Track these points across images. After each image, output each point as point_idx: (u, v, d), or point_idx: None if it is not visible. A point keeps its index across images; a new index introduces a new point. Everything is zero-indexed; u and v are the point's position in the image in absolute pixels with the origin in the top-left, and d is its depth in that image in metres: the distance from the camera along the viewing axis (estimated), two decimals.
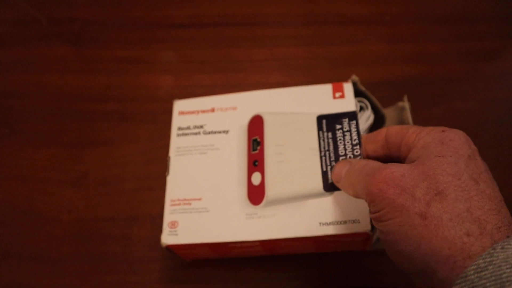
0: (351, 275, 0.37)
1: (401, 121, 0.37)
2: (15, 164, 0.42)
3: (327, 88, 0.34)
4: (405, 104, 0.37)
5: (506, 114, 0.46)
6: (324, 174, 0.31)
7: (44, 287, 0.36)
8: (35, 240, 0.38)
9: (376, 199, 0.22)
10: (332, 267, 0.37)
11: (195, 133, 0.34)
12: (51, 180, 0.41)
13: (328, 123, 0.32)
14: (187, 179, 0.32)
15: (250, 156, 0.33)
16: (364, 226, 0.29)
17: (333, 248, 0.34)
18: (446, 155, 0.22)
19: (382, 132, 0.28)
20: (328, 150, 0.31)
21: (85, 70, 0.48)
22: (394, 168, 0.22)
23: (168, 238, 0.30)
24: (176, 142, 0.34)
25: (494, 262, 0.18)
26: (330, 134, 0.32)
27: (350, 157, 0.31)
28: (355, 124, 0.32)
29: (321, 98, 0.34)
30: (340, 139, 0.31)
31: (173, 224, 0.31)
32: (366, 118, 0.34)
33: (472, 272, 0.18)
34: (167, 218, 0.31)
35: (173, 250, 0.31)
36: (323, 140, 0.32)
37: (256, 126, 0.33)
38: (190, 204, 0.31)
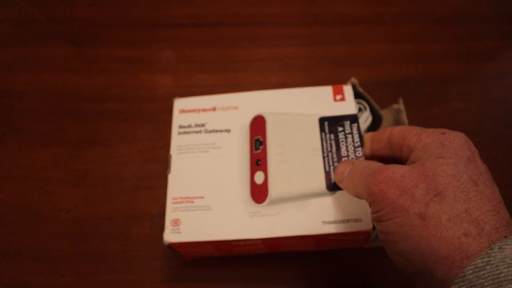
0: (353, 272, 0.37)
1: (397, 123, 0.38)
2: (14, 163, 0.42)
3: (328, 90, 0.35)
4: (401, 106, 0.38)
5: (505, 114, 0.46)
6: (327, 174, 0.31)
7: (44, 286, 0.36)
8: (35, 239, 0.38)
9: (376, 200, 0.23)
10: (334, 265, 0.37)
11: (197, 132, 0.34)
12: (50, 180, 0.41)
13: (330, 125, 0.33)
14: (189, 177, 0.33)
15: (252, 155, 0.33)
16: (366, 224, 0.30)
17: (333, 246, 0.35)
18: (446, 157, 0.22)
19: (386, 132, 0.28)
20: (331, 151, 0.32)
21: (85, 70, 0.48)
22: (395, 169, 0.23)
23: (170, 236, 0.31)
24: (177, 140, 0.34)
25: (492, 262, 0.18)
26: (332, 136, 0.33)
27: (352, 158, 0.31)
28: (356, 126, 0.33)
29: (322, 100, 0.35)
30: (342, 141, 0.32)
31: (176, 222, 0.31)
32: (364, 119, 0.35)
33: (470, 271, 0.18)
34: (169, 216, 0.31)
35: (174, 248, 0.32)
36: (326, 141, 0.33)
37: (258, 126, 0.34)
38: (192, 202, 0.32)
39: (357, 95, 0.36)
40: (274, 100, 0.35)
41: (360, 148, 0.31)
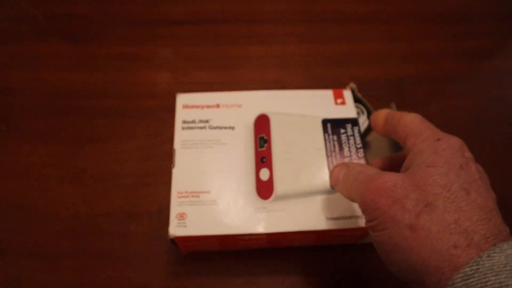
0: (349, 266, 0.37)
1: None
2: (12, 160, 0.42)
3: (329, 93, 0.37)
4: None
5: (502, 113, 0.46)
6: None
7: (42, 283, 0.36)
8: (33, 236, 0.38)
9: (368, 209, 0.23)
10: (332, 260, 0.37)
11: (201, 127, 0.35)
12: (48, 177, 0.41)
13: (333, 127, 0.35)
14: (194, 172, 0.33)
15: (257, 152, 0.34)
16: None
17: (331, 241, 0.36)
18: (437, 165, 0.22)
19: (395, 118, 0.28)
20: (334, 151, 0.34)
21: (83, 67, 0.48)
22: (387, 178, 0.23)
23: (176, 229, 0.31)
24: (181, 135, 0.35)
25: (480, 270, 0.18)
26: (335, 137, 0.34)
27: (354, 158, 0.33)
28: (357, 129, 0.35)
29: (323, 103, 0.37)
30: (344, 142, 0.34)
31: (182, 216, 0.31)
32: (362, 122, 0.38)
33: (459, 280, 0.19)
34: (175, 210, 0.32)
35: (177, 242, 0.32)
36: (329, 142, 0.34)
37: (262, 124, 0.35)
38: (198, 196, 0.32)
39: (355, 100, 0.38)
40: (277, 100, 0.37)
41: (361, 150, 0.34)
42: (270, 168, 0.33)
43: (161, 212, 0.39)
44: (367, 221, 0.24)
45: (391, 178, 0.23)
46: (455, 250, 0.20)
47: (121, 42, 0.50)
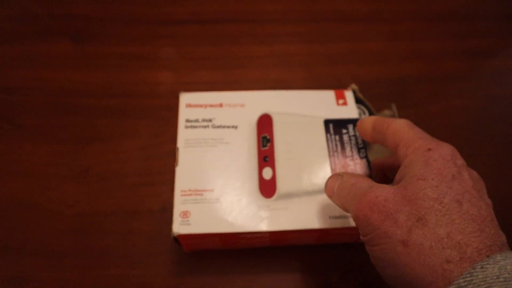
0: (356, 266, 0.37)
1: None
2: (16, 159, 0.42)
3: (330, 94, 0.38)
4: (394, 112, 0.39)
5: (504, 112, 0.46)
6: (334, 172, 0.33)
7: (46, 281, 0.36)
8: (37, 234, 0.38)
9: (362, 224, 0.23)
10: (333, 258, 0.37)
11: (204, 126, 0.35)
12: (52, 175, 0.41)
13: (335, 127, 0.35)
14: (198, 171, 0.33)
15: (260, 152, 0.34)
16: None
17: (332, 240, 0.36)
18: (429, 178, 0.22)
19: (384, 126, 0.28)
20: (336, 151, 0.34)
21: (86, 66, 0.48)
22: (378, 192, 0.23)
23: (180, 227, 0.31)
24: (184, 134, 0.35)
25: (473, 281, 0.18)
26: (337, 137, 0.35)
27: (356, 158, 0.33)
28: None
29: (325, 104, 0.37)
30: (346, 142, 0.35)
31: (185, 214, 0.32)
32: None
33: None
34: (178, 208, 0.32)
35: (180, 240, 0.32)
36: (331, 142, 0.34)
37: (265, 124, 0.35)
38: (201, 194, 0.32)
39: (356, 100, 0.38)
40: (279, 100, 0.37)
41: (363, 150, 0.34)
42: (273, 167, 0.33)
43: (164, 211, 0.39)
44: (361, 235, 0.24)
45: (382, 192, 0.23)
46: (448, 265, 0.19)
47: (123, 42, 0.50)
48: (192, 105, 0.36)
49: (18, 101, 0.46)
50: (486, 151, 0.43)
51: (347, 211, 0.26)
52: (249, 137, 0.35)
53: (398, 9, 0.54)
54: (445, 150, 0.23)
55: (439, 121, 0.45)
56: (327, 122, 0.36)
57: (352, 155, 0.34)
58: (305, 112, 0.36)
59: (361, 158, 0.34)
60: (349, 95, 0.37)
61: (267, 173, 0.33)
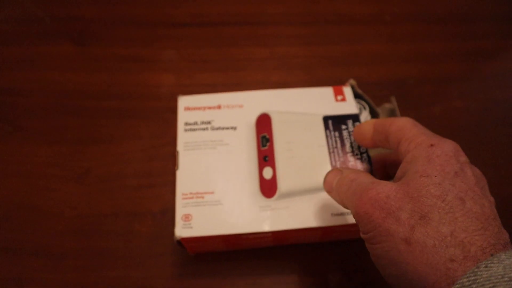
0: (360, 263, 0.37)
1: None
2: (17, 160, 0.42)
3: (328, 90, 0.37)
4: (393, 104, 0.38)
5: (505, 114, 0.46)
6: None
7: (47, 282, 0.36)
8: (38, 236, 0.38)
9: (363, 221, 0.23)
10: (336, 255, 0.37)
11: (203, 129, 0.35)
12: (53, 177, 0.41)
13: (334, 123, 0.35)
14: (198, 173, 0.33)
15: (260, 152, 0.34)
16: None
17: (336, 237, 0.36)
18: (431, 175, 0.21)
19: (386, 125, 0.27)
20: (336, 147, 0.34)
21: (88, 68, 0.48)
22: (380, 189, 0.22)
23: (182, 231, 0.31)
24: (183, 137, 0.35)
25: (477, 280, 0.18)
26: (337, 133, 0.35)
27: (356, 154, 0.33)
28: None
29: (324, 100, 0.37)
30: (346, 138, 0.34)
31: (187, 217, 0.31)
32: (364, 119, 0.38)
33: None
34: (180, 211, 0.32)
35: (184, 243, 0.32)
36: (331, 138, 0.34)
37: (263, 123, 0.35)
38: (203, 197, 0.32)
39: (355, 96, 0.38)
40: (277, 99, 0.37)
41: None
42: (273, 167, 0.33)
43: (165, 212, 0.39)
44: (362, 233, 0.23)
45: (384, 189, 0.22)
46: (451, 264, 0.19)
47: (124, 44, 0.50)
48: (190, 108, 0.36)
49: (20, 102, 0.46)
50: (487, 153, 0.43)
51: (346, 207, 0.25)
52: (249, 138, 0.35)
53: (399, 11, 0.54)
54: (448, 146, 0.23)
55: (440, 122, 0.45)
56: (326, 119, 0.35)
57: (352, 151, 0.34)
58: (304, 110, 0.36)
59: (361, 153, 0.34)
60: (347, 90, 0.37)
61: (267, 173, 0.33)
